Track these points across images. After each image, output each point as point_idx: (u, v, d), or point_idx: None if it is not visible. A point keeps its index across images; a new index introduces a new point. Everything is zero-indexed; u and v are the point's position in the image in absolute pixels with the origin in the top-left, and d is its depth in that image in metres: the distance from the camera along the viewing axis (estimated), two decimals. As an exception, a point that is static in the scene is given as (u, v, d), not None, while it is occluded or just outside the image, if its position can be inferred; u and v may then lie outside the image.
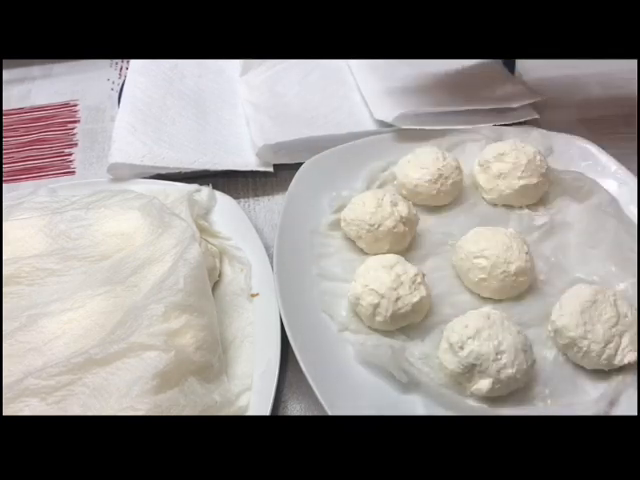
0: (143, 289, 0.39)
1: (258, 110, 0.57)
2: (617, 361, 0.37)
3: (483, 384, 0.35)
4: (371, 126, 0.55)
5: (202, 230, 0.45)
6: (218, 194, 0.50)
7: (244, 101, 0.59)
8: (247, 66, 0.62)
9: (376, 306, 0.39)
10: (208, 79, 0.62)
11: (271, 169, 0.53)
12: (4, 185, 0.54)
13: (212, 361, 0.37)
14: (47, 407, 0.33)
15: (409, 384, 0.37)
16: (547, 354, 0.39)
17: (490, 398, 0.36)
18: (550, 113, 0.56)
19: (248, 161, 0.53)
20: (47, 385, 0.33)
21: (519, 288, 0.41)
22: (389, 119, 0.54)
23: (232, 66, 0.63)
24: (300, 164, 0.50)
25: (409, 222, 0.44)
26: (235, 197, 0.50)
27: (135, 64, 0.60)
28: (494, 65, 0.60)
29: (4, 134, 0.59)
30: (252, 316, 0.42)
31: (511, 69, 0.59)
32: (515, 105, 0.55)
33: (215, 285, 0.44)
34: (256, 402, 0.37)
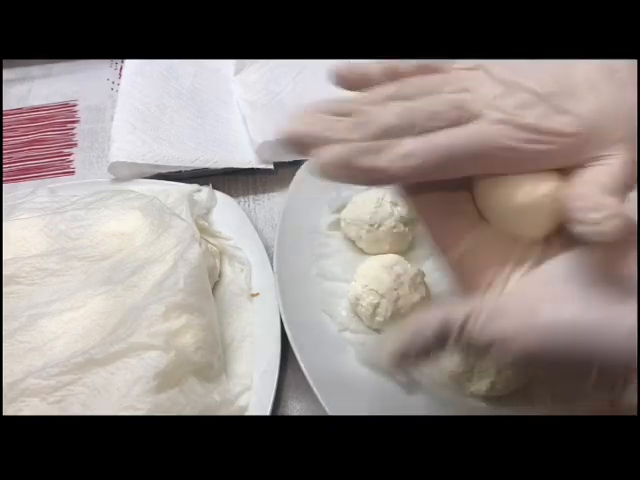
0: (143, 289, 0.39)
1: (255, 108, 0.57)
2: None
3: (483, 384, 0.35)
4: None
5: (202, 230, 0.45)
6: (218, 194, 0.50)
7: (240, 100, 0.59)
8: (240, 65, 0.62)
9: (376, 306, 0.39)
10: (203, 78, 0.62)
11: (271, 167, 0.53)
12: (4, 185, 0.54)
13: (212, 361, 0.37)
14: (47, 407, 0.33)
15: (409, 384, 0.37)
16: (547, 354, 0.39)
17: (490, 398, 0.36)
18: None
19: (248, 159, 0.53)
20: (47, 385, 0.33)
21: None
22: None
23: (227, 65, 0.63)
24: (300, 162, 0.50)
25: (409, 222, 0.44)
26: (235, 197, 0.50)
27: (130, 64, 0.60)
28: None
29: (3, 134, 0.59)
30: (252, 316, 0.42)
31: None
32: None
33: (215, 285, 0.44)
34: (256, 402, 0.37)
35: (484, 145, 0.25)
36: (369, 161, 0.24)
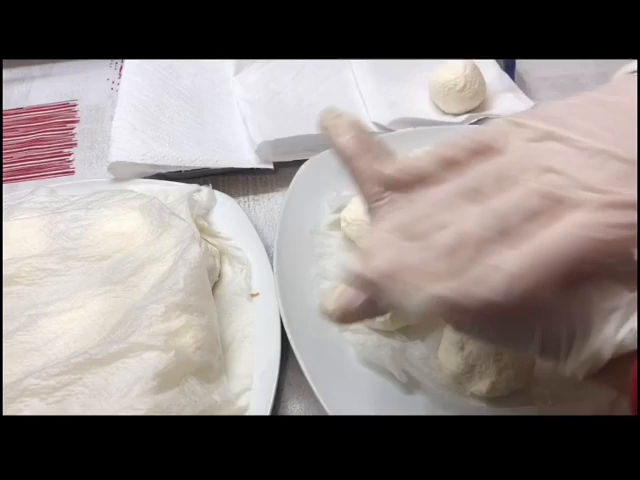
0: (143, 289, 0.39)
1: (254, 108, 0.57)
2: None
3: (483, 384, 0.35)
4: (371, 126, 0.55)
5: (202, 230, 0.45)
6: (218, 194, 0.50)
7: (240, 100, 0.59)
8: (240, 65, 0.62)
9: (376, 306, 0.39)
10: (203, 78, 0.62)
11: (271, 166, 0.53)
12: (4, 185, 0.54)
13: (212, 361, 0.37)
14: (47, 407, 0.33)
15: (409, 384, 0.37)
16: (547, 354, 0.39)
17: (490, 398, 0.36)
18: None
19: (248, 159, 0.53)
20: (47, 385, 0.33)
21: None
22: (385, 122, 0.54)
23: (227, 65, 0.63)
24: (300, 162, 0.50)
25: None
26: (235, 196, 0.50)
27: (130, 64, 0.60)
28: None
29: (3, 134, 0.59)
30: (252, 316, 0.42)
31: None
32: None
33: (215, 285, 0.43)
34: (256, 402, 0.37)
35: (596, 240, 0.19)
36: (475, 292, 0.19)
